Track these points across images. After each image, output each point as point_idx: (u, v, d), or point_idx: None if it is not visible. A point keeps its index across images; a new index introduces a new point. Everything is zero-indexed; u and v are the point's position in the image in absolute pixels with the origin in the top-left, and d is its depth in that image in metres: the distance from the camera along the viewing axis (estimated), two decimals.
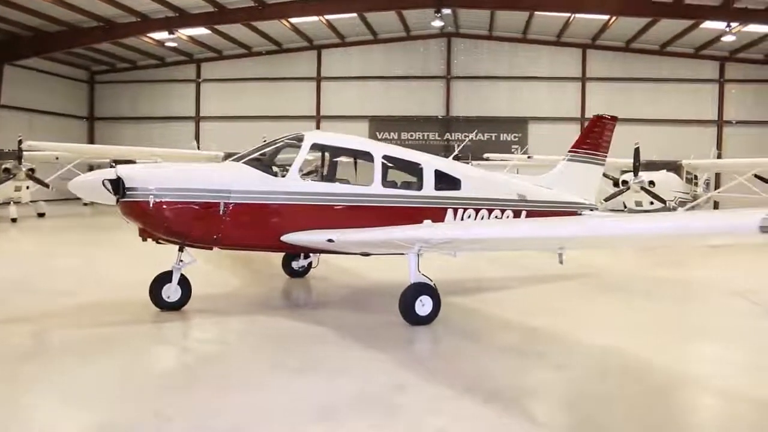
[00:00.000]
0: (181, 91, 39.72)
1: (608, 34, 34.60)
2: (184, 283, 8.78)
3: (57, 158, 24.83)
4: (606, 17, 31.44)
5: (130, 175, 8.14)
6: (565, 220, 7.27)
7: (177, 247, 8.68)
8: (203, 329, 8.11)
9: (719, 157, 31.61)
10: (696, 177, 24.43)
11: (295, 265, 11.75)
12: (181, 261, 8.73)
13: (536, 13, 31.92)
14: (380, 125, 38.53)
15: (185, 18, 29.65)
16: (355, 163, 10.12)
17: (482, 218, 10.60)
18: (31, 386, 5.88)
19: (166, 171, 8.69)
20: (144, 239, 8.64)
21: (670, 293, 11.36)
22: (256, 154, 9.24)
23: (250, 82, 39.04)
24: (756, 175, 23.57)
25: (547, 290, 11.42)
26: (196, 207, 8.31)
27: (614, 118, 13.21)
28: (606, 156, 13.24)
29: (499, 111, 38.44)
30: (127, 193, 8.06)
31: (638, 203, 21.53)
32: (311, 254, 11.54)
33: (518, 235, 7.36)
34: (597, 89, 37.19)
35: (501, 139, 38.61)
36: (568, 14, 31.51)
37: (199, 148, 34.42)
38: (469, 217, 10.43)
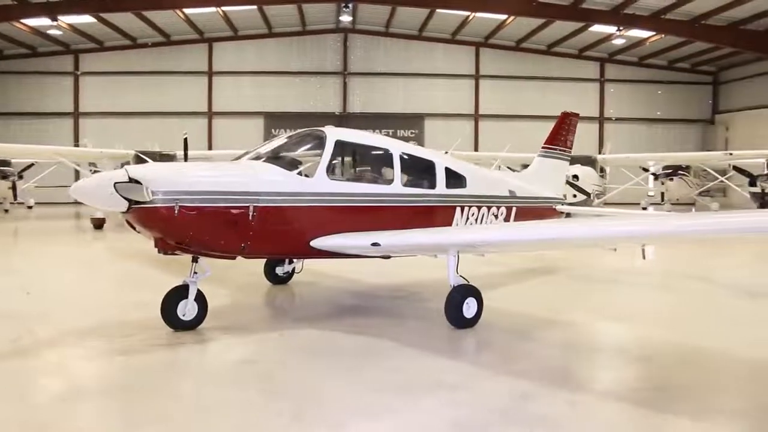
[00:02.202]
0: (57, 85, 36.12)
1: (501, 34, 35.91)
2: (200, 299, 7.81)
3: None
4: (503, 17, 32.54)
5: (149, 176, 7.05)
6: (638, 218, 7.24)
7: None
8: (242, 349, 7.13)
9: (599, 152, 33.93)
10: (604, 170, 26.04)
11: (279, 271, 10.92)
12: (195, 273, 7.78)
13: (437, 10, 32.38)
14: (276, 122, 37.45)
15: (71, 4, 26.96)
16: (353, 160, 9.56)
17: (483, 216, 10.45)
18: None
19: (188, 171, 7.67)
20: (160, 251, 7.53)
21: (658, 280, 11.98)
22: (274, 152, 8.40)
23: (135, 76, 36.40)
24: (653, 173, 25.63)
25: (547, 285, 11.56)
26: (226, 212, 7.40)
27: (577, 115, 13.59)
28: (571, 151, 13.58)
29: (395, 107, 38.76)
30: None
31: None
32: (295, 259, 10.84)
33: (582, 235, 7.25)
34: (490, 86, 38.56)
35: (398, 135, 38.86)
36: (468, 13, 32.21)
37: (78, 145, 31.60)
38: (472, 215, 10.24)
